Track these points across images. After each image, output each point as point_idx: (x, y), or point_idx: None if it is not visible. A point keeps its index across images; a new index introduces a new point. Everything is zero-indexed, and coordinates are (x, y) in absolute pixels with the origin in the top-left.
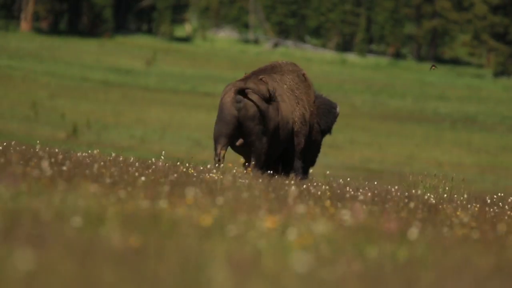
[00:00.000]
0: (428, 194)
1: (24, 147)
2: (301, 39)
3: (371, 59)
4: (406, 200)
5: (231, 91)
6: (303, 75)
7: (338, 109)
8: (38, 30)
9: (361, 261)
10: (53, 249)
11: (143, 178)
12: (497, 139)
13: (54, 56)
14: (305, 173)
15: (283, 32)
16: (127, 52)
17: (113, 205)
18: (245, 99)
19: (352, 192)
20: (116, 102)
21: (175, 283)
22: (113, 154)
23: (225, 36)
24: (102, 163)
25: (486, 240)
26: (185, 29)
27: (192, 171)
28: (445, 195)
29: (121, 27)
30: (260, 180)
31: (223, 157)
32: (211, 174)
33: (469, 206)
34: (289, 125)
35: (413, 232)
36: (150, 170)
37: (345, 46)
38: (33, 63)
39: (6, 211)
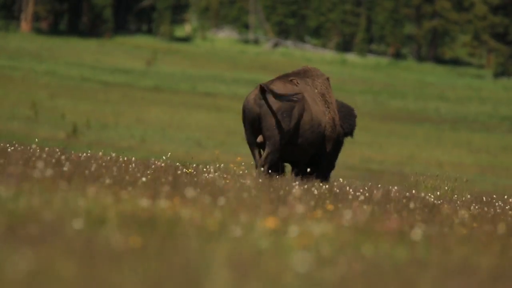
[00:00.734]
0: (429, 194)
1: (23, 147)
2: (301, 39)
3: (371, 59)
4: (404, 200)
5: (255, 90)
6: (327, 79)
7: (355, 112)
8: (38, 31)
9: (362, 261)
10: (53, 250)
11: (143, 179)
12: (497, 139)
13: (54, 56)
14: (327, 175)
15: (283, 32)
16: (127, 52)
17: (113, 205)
18: (268, 97)
19: (353, 192)
20: (116, 102)
21: (175, 284)
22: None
23: (225, 36)
24: (103, 163)
25: (487, 240)
26: (185, 29)
27: (192, 171)
28: (446, 196)
29: (121, 28)
30: (261, 181)
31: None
32: (211, 175)
33: (469, 206)
34: (320, 128)
35: (417, 233)
36: (152, 171)
37: (345, 46)
38: (33, 63)
39: (7, 212)
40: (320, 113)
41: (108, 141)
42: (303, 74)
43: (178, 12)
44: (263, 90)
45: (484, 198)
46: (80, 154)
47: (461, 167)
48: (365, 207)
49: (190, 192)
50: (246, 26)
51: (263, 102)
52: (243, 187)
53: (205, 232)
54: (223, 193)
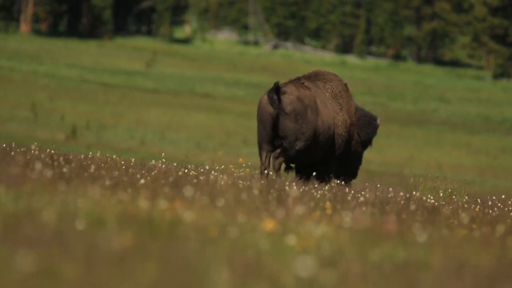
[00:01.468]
0: (429, 196)
1: (24, 149)
2: (300, 40)
3: (370, 61)
4: (403, 202)
5: (268, 91)
6: (345, 85)
7: (378, 121)
8: (38, 32)
9: (362, 262)
10: (53, 251)
11: (142, 181)
12: (497, 141)
13: (53, 57)
14: (348, 182)
15: (283, 33)
16: (127, 53)
17: (113, 206)
18: (282, 98)
19: (352, 193)
20: (115, 104)
21: (175, 285)
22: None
23: (224, 37)
24: (102, 164)
25: (486, 241)
26: (185, 30)
27: (193, 172)
28: (445, 197)
29: (120, 29)
30: (262, 182)
31: (269, 163)
32: (211, 176)
33: (468, 207)
34: (330, 131)
35: (417, 235)
36: (153, 172)
37: (344, 47)
38: (33, 65)
39: (7, 213)
40: (329, 116)
41: (107, 143)
42: (314, 77)
43: (177, 14)
44: (278, 90)
45: (480, 199)
46: (79, 156)
47: (461, 168)
48: (364, 208)
49: (189, 193)
50: (245, 28)
51: (277, 102)
52: (243, 188)
53: (205, 234)
54: (223, 194)
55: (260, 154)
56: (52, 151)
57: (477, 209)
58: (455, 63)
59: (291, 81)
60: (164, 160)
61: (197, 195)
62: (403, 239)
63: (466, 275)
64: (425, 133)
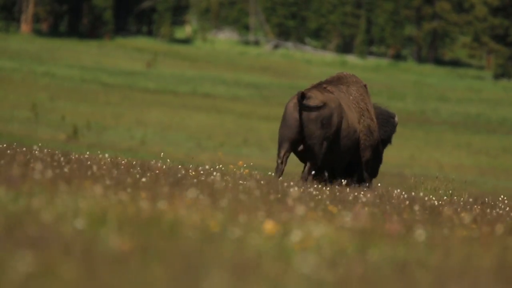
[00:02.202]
0: (429, 196)
1: (25, 149)
2: (301, 40)
3: (371, 60)
4: (407, 202)
5: (295, 97)
6: (365, 86)
7: (396, 119)
8: (38, 32)
9: (363, 263)
10: (53, 251)
11: (143, 180)
12: (497, 141)
13: (54, 57)
14: (369, 182)
15: (283, 33)
16: (127, 54)
17: (113, 206)
18: (309, 104)
19: (353, 194)
20: (116, 104)
21: (175, 286)
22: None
23: (225, 37)
24: (104, 166)
25: (487, 241)
26: (185, 31)
27: (193, 172)
28: (446, 197)
29: (121, 29)
30: (262, 182)
31: (286, 160)
32: (212, 176)
33: (469, 207)
34: (356, 135)
35: (421, 235)
36: (152, 173)
37: (345, 47)
38: (33, 65)
39: (7, 213)
40: (354, 120)
41: (108, 143)
42: (337, 81)
43: (178, 14)
44: (303, 97)
45: (480, 199)
46: (80, 156)
47: (461, 168)
48: (366, 208)
49: (190, 193)
50: (246, 28)
51: (304, 109)
52: (244, 189)
53: (206, 234)
54: (223, 194)
55: (279, 151)
56: (56, 152)
57: (477, 210)
58: (455, 63)
59: (314, 86)
60: (168, 160)
61: (198, 195)
62: (404, 239)
63: (467, 275)
64: (425, 133)
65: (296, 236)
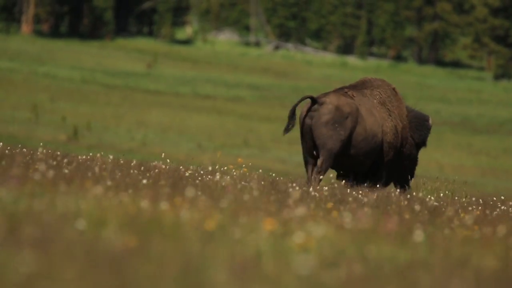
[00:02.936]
0: (429, 197)
1: (25, 150)
2: (302, 41)
3: (372, 61)
4: (406, 202)
5: (306, 105)
6: (393, 89)
7: (430, 122)
8: (39, 33)
9: (363, 263)
10: (54, 252)
11: (144, 181)
12: (498, 142)
13: (54, 58)
14: (407, 185)
15: (284, 34)
16: (128, 54)
17: (114, 207)
18: (319, 108)
19: (354, 194)
20: (116, 105)
21: (176, 286)
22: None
23: (225, 38)
24: (104, 166)
25: (487, 241)
26: (186, 31)
27: (193, 173)
28: (447, 198)
29: (122, 30)
30: (262, 183)
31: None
32: (212, 177)
33: (470, 208)
34: (377, 138)
35: (419, 235)
36: (152, 172)
37: (345, 48)
38: (34, 66)
39: (8, 214)
40: (375, 124)
41: (108, 144)
42: (361, 85)
43: (179, 15)
44: (314, 103)
45: (481, 200)
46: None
47: (462, 169)
48: (366, 209)
49: (190, 194)
50: (247, 29)
51: (314, 113)
52: (244, 189)
53: (206, 234)
54: (224, 195)
55: (306, 168)
56: (58, 152)
57: (478, 212)
58: (456, 64)
59: (334, 91)
60: (168, 160)
61: (198, 196)
62: (405, 239)
63: (467, 275)
64: None
65: (296, 236)
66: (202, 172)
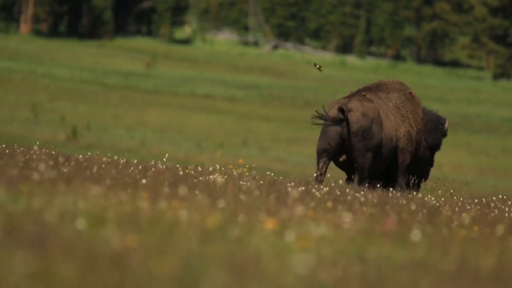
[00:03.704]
0: (428, 196)
1: (24, 149)
2: (300, 41)
3: (371, 61)
4: (405, 201)
5: (334, 108)
6: (410, 93)
7: (446, 125)
8: (38, 32)
9: (361, 263)
10: (53, 251)
11: (144, 181)
12: (497, 141)
13: (53, 58)
14: (418, 187)
15: (283, 34)
16: (127, 54)
17: (113, 206)
18: (348, 116)
19: (353, 194)
20: (115, 105)
21: (175, 285)
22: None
23: (224, 38)
24: (103, 165)
25: (486, 241)
26: (185, 31)
27: (192, 172)
28: (445, 197)
29: (121, 29)
30: (262, 182)
31: (325, 172)
32: (211, 176)
33: (469, 207)
34: (393, 142)
35: (416, 234)
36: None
37: (345, 48)
38: (33, 65)
39: (6, 214)
40: (391, 128)
41: (107, 143)
42: (376, 88)
43: (178, 14)
44: (342, 111)
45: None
46: (79, 156)
47: (461, 169)
48: (364, 208)
49: (189, 193)
50: (245, 28)
51: (344, 123)
52: (243, 189)
53: (205, 234)
54: (223, 194)
55: (318, 162)
56: (53, 152)
57: (477, 211)
58: (455, 64)
59: (353, 95)
60: (164, 159)
61: (197, 195)
62: (403, 239)
63: (466, 275)
64: None
65: (295, 236)
66: (201, 171)
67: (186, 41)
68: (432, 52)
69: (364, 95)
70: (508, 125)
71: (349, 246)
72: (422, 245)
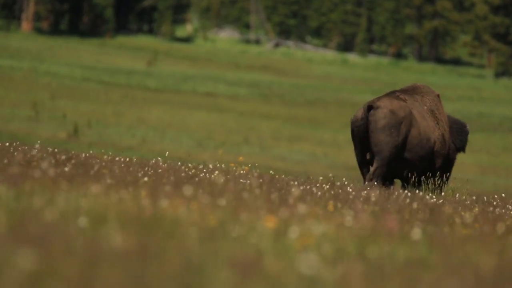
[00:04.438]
0: (430, 194)
1: (26, 147)
2: (302, 39)
3: (372, 59)
4: (408, 201)
5: (360, 110)
6: (437, 96)
7: (468, 128)
8: (39, 30)
9: (363, 261)
10: (55, 250)
11: (145, 179)
12: (498, 139)
13: (55, 56)
14: (441, 189)
15: (284, 32)
16: (128, 52)
17: (114, 205)
18: (375, 113)
19: (354, 193)
20: (117, 102)
21: (176, 284)
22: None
23: (226, 36)
24: (103, 164)
25: (488, 240)
26: (186, 29)
27: (194, 171)
28: (447, 196)
29: (122, 27)
30: (261, 180)
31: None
32: (212, 175)
33: (470, 206)
34: (430, 144)
35: (416, 232)
36: (152, 171)
37: (346, 46)
38: (34, 63)
39: (8, 212)
40: (429, 128)
41: (109, 141)
42: (412, 91)
43: (179, 12)
44: (370, 108)
45: (481, 198)
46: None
47: (462, 167)
48: (366, 207)
49: (190, 192)
50: (247, 26)
51: (371, 118)
52: (244, 187)
53: (206, 232)
54: (224, 193)
55: (362, 173)
56: (56, 150)
57: (477, 209)
58: (456, 62)
59: (386, 94)
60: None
61: (198, 194)
62: (404, 237)
63: (467, 274)
64: None
65: (296, 234)
66: (202, 168)
67: (187, 39)
68: (434, 50)
69: (398, 96)
70: (510, 123)
71: (351, 245)
72: (423, 244)
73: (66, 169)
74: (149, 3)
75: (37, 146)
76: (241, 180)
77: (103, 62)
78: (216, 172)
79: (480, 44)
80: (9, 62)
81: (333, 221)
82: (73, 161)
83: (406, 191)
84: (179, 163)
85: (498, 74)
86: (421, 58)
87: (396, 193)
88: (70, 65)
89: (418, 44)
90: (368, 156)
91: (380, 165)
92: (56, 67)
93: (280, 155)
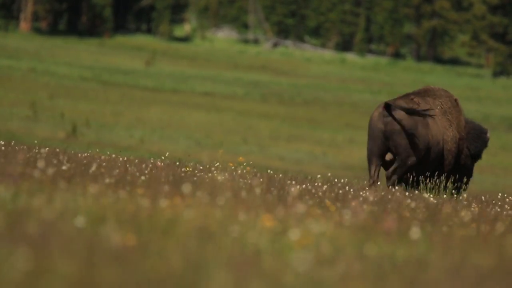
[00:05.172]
0: (428, 194)
1: (24, 146)
2: (300, 39)
3: (370, 59)
4: (409, 201)
5: (379, 107)
6: (455, 100)
7: (488, 135)
8: (38, 30)
9: (361, 260)
10: (53, 249)
11: (143, 178)
12: (496, 139)
13: (53, 56)
14: (458, 195)
15: (283, 32)
16: (126, 52)
17: (113, 204)
18: (393, 114)
19: (353, 192)
20: (115, 102)
21: (175, 283)
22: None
23: (224, 36)
24: (103, 163)
25: (486, 239)
26: (184, 29)
27: (192, 170)
28: (446, 195)
29: (120, 27)
30: (261, 180)
31: (378, 177)
32: (211, 174)
33: (468, 205)
34: (440, 146)
35: (416, 232)
36: (150, 170)
37: (344, 46)
38: (33, 63)
39: (6, 211)
40: (438, 132)
41: (107, 141)
42: (424, 93)
43: (177, 12)
44: (389, 108)
45: (479, 197)
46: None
47: None
48: (364, 206)
49: (189, 191)
50: (245, 26)
51: (389, 119)
52: (244, 187)
53: (205, 232)
54: (222, 192)
55: (369, 168)
56: (57, 149)
57: (477, 208)
58: (454, 61)
59: (400, 97)
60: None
61: (197, 193)
62: (403, 237)
63: (466, 273)
64: None
65: (295, 233)
66: (201, 168)
67: (185, 39)
68: (432, 50)
69: (412, 99)
70: (508, 122)
71: (349, 244)
72: (422, 243)
73: (65, 168)
74: (147, 3)
75: (35, 145)
76: (240, 180)
77: (102, 61)
78: (215, 171)
79: (478, 44)
80: (8, 62)
81: (331, 220)
82: (71, 161)
83: (406, 192)
84: (177, 163)
85: (496, 74)
86: (420, 57)
87: (398, 193)
88: (69, 65)
89: (416, 43)
90: (388, 157)
91: (399, 165)
92: (55, 67)
93: (278, 154)
